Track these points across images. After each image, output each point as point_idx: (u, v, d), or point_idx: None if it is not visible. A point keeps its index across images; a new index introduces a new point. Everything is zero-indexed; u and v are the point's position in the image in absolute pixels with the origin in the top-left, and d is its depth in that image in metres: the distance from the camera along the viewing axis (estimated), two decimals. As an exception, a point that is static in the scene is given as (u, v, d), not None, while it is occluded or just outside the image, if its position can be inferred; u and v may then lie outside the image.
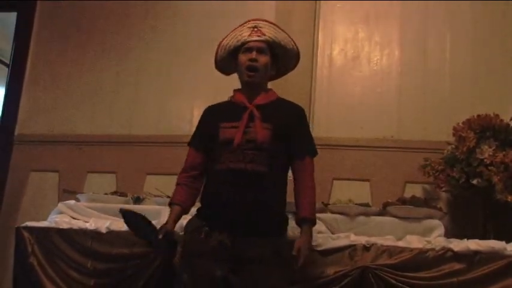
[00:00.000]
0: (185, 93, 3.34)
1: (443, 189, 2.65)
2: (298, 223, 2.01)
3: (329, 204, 2.63)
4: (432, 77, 3.07)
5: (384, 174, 2.98)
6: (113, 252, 2.44)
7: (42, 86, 3.64)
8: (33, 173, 3.49)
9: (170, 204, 2.07)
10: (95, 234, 2.50)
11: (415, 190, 2.84)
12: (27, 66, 3.68)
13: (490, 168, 2.44)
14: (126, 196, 2.91)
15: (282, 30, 2.13)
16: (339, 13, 3.28)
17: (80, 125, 3.50)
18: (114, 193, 2.98)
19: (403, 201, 2.56)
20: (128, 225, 2.04)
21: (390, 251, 2.22)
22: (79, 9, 3.69)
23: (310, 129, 3.07)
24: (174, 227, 2.03)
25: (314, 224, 2.04)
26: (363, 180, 3.01)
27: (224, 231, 1.90)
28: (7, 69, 3.90)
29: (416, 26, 3.16)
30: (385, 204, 2.56)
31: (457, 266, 2.14)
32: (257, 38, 2.05)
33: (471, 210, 2.72)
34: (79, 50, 3.62)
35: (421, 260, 2.17)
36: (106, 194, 2.94)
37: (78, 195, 2.92)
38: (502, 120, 2.58)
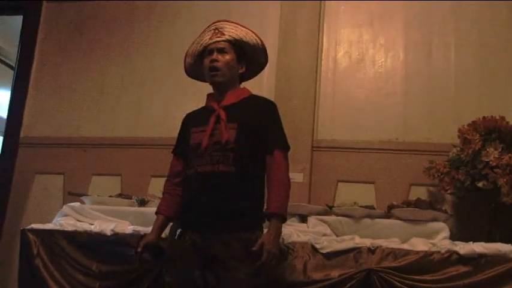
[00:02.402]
0: (189, 95, 3.34)
1: (449, 191, 2.64)
2: (267, 218, 1.98)
3: (334, 207, 2.63)
4: (437, 79, 3.06)
5: (389, 176, 2.97)
6: (118, 255, 2.44)
7: (47, 88, 3.65)
8: (38, 175, 3.50)
9: (156, 214, 2.14)
10: (100, 236, 2.50)
11: (420, 192, 2.83)
12: (33, 69, 3.69)
13: (495, 170, 2.43)
14: (131, 198, 2.91)
15: (244, 26, 2.15)
16: (344, 15, 3.28)
17: (84, 127, 3.51)
18: (119, 195, 2.98)
19: (408, 204, 2.55)
20: None
21: (395, 253, 2.21)
22: (84, 13, 3.70)
23: (314, 130, 3.13)
24: (158, 235, 2.09)
25: (283, 219, 1.98)
26: (368, 182, 3.00)
27: (196, 231, 1.95)
28: (12, 72, 3.91)
29: (421, 27, 3.15)
30: (390, 207, 2.56)
31: (462, 268, 2.13)
32: (216, 39, 2.09)
33: (476, 212, 2.71)
34: (84, 53, 3.64)
35: (426, 262, 2.16)
36: (111, 196, 2.94)
37: (83, 198, 2.92)
38: (507, 123, 2.57)
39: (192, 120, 2.16)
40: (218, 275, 1.90)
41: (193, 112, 2.22)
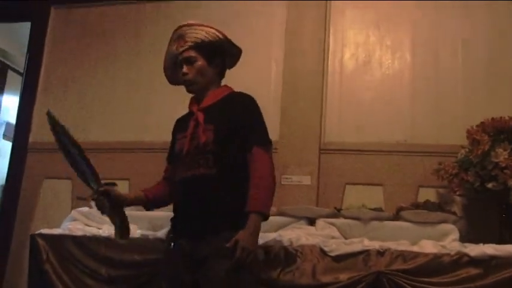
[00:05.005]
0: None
1: (458, 193, 2.62)
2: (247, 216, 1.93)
3: (342, 210, 2.62)
4: (445, 80, 3.05)
5: (397, 178, 2.96)
6: (126, 259, 2.45)
7: (55, 94, 3.67)
8: (46, 180, 3.52)
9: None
10: (108, 241, 2.51)
11: (428, 194, 2.81)
12: (41, 74, 3.71)
13: (505, 171, 2.41)
14: (139, 203, 2.91)
15: (202, 24, 2.10)
16: (350, 17, 3.27)
17: (92, 132, 3.52)
18: (127, 200, 2.98)
19: (416, 206, 2.54)
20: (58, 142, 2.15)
21: (404, 256, 2.19)
22: (92, 18, 3.73)
23: (322, 133, 3.12)
24: (126, 195, 2.12)
25: (263, 216, 1.90)
26: (376, 184, 2.98)
27: (184, 236, 1.95)
28: (21, 78, 3.94)
29: (428, 29, 3.14)
30: (399, 209, 2.55)
31: (473, 271, 2.11)
32: (181, 49, 2.07)
33: (486, 214, 2.69)
34: (92, 58, 3.65)
35: (436, 265, 2.14)
36: (119, 200, 2.94)
37: (91, 202, 2.93)
38: (516, 123, 2.56)
39: (177, 127, 2.17)
40: (206, 277, 1.88)
41: (181, 118, 2.21)
